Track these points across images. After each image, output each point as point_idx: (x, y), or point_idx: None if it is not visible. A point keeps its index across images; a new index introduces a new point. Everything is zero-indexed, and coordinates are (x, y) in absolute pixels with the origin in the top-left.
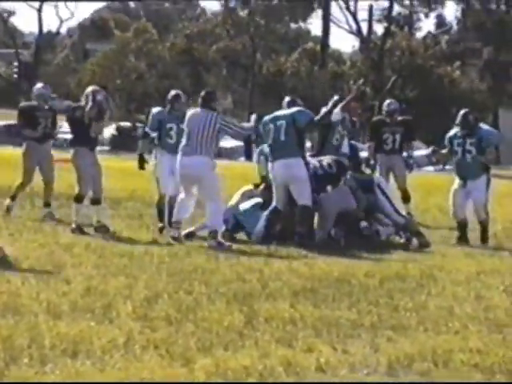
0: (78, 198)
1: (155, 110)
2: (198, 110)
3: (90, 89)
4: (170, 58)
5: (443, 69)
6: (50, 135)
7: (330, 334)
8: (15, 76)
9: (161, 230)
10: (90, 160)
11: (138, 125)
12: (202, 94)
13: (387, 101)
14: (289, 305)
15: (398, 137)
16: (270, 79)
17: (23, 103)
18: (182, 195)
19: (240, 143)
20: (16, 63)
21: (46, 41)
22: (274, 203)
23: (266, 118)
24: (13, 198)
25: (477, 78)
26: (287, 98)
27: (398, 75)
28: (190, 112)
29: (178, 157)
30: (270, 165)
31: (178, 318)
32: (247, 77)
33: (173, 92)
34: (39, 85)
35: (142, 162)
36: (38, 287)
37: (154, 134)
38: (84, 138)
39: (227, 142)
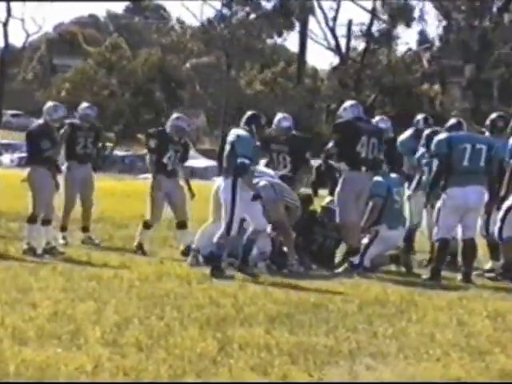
0: (32, 219)
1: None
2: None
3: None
4: (142, 74)
5: (424, 87)
6: (89, 156)
7: (307, 361)
8: None
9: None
10: (46, 179)
11: (108, 144)
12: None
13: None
14: (264, 331)
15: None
16: (244, 96)
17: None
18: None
19: (213, 162)
20: None
21: (12, 55)
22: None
23: None
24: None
25: (459, 96)
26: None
27: (378, 93)
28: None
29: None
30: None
31: (149, 345)
32: (221, 94)
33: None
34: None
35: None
36: (2, 311)
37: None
38: (40, 156)
39: (199, 162)
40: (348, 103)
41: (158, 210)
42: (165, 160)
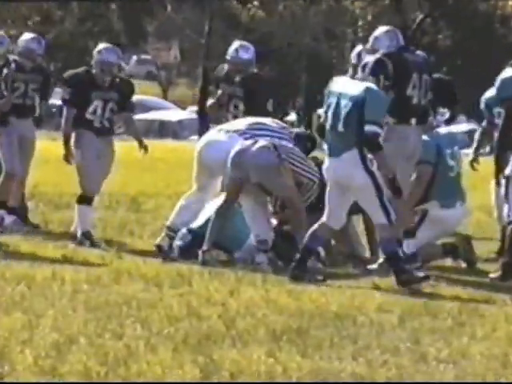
0: None
1: None
2: None
3: None
4: None
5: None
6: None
7: None
8: None
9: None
10: None
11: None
12: None
13: None
14: (265, 353)
15: None
16: (236, 20)
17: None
18: None
19: (190, 114)
20: None
21: None
22: None
23: None
24: None
25: None
26: None
27: (427, 14)
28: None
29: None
30: None
31: (102, 374)
32: (202, 16)
33: None
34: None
35: None
36: None
37: None
38: None
39: (171, 113)
40: (381, 30)
41: (92, 177)
42: (88, 115)
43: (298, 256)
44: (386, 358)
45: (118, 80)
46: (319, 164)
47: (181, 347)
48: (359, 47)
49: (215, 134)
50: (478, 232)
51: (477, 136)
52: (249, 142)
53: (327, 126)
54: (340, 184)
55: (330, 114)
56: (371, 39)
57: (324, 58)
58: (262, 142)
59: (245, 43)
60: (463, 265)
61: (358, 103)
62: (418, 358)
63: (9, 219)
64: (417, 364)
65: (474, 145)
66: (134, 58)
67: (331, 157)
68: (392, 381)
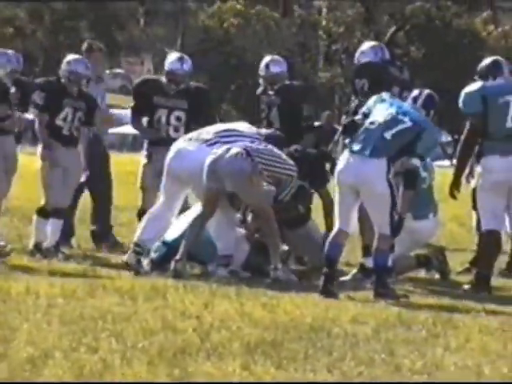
0: None
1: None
2: None
3: None
4: (63, 6)
5: (465, 20)
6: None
7: None
8: None
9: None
10: None
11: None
12: None
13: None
14: (240, 365)
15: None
16: (209, 34)
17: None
18: None
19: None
20: None
21: None
22: None
23: None
24: None
25: None
26: None
27: (400, 26)
28: None
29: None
30: None
31: None
32: (175, 33)
33: None
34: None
35: None
36: None
37: None
38: None
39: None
40: (368, 45)
41: (56, 190)
42: (58, 121)
43: (324, 270)
44: (361, 370)
45: (84, 91)
46: (299, 155)
47: (156, 360)
48: None
49: (183, 143)
50: (451, 243)
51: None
52: (222, 149)
53: (369, 126)
54: (355, 187)
55: (381, 117)
56: (357, 54)
57: (297, 71)
58: (235, 149)
59: (276, 57)
60: (437, 276)
61: (416, 130)
62: (393, 370)
63: None
64: (391, 375)
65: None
66: (107, 72)
67: (358, 154)
68: None
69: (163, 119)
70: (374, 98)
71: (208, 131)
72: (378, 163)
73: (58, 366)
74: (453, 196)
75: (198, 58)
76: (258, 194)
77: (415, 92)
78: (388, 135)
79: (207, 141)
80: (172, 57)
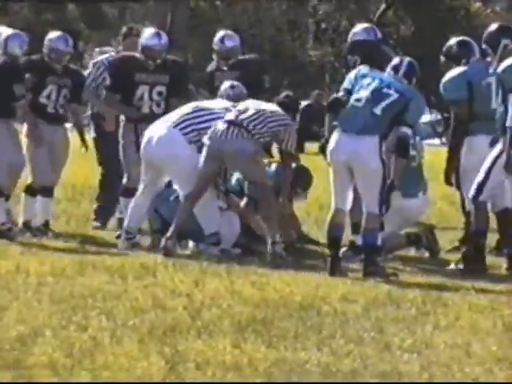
0: None
1: None
2: None
3: None
4: None
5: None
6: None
7: None
8: None
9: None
10: None
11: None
12: None
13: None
14: (231, 344)
15: None
16: (200, 11)
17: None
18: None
19: None
20: None
21: None
22: None
23: None
24: None
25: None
26: None
27: (389, 3)
28: None
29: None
30: None
31: (68, 366)
32: (164, 7)
33: None
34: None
35: None
36: None
37: None
38: None
39: None
40: (360, 26)
41: (42, 168)
42: (42, 99)
43: (329, 252)
44: (351, 348)
45: (70, 68)
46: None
47: (146, 338)
48: None
49: (155, 128)
50: (441, 222)
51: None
52: (222, 128)
53: (356, 103)
54: (348, 165)
55: (366, 93)
56: (350, 35)
57: (287, 49)
58: (236, 129)
59: (229, 32)
60: (426, 254)
61: (403, 101)
62: (383, 348)
63: None
64: (381, 353)
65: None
66: (97, 49)
67: (349, 132)
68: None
69: (146, 96)
70: (354, 73)
71: (176, 113)
72: (370, 140)
73: (48, 344)
74: (449, 183)
75: (185, 36)
76: (259, 171)
77: (395, 60)
78: (378, 110)
79: (176, 123)
80: (148, 32)
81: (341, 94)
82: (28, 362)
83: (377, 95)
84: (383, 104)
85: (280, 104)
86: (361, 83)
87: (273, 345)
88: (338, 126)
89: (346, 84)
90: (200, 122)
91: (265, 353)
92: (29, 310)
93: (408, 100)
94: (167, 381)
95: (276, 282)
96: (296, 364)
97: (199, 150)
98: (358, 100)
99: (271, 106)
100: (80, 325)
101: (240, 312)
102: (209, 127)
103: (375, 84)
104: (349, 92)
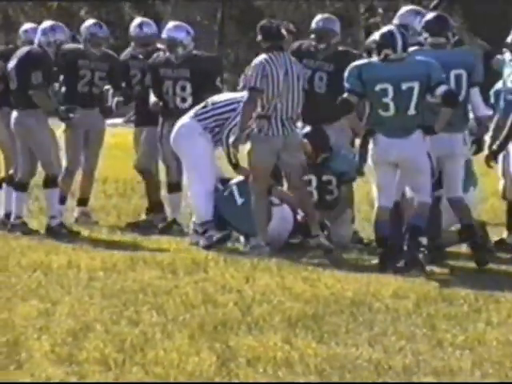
0: None
1: None
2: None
3: None
4: None
5: None
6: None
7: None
8: None
9: None
10: None
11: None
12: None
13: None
14: (282, 339)
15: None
16: (251, 7)
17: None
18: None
19: None
20: None
21: None
22: None
23: None
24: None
25: None
26: None
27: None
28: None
29: None
30: None
31: (119, 361)
32: (216, 5)
33: None
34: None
35: None
36: None
37: None
38: None
39: None
40: (404, 9)
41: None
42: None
43: (378, 250)
44: (402, 345)
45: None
46: None
47: (197, 334)
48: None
49: (181, 123)
50: (493, 218)
51: (491, 132)
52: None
53: (384, 113)
54: (394, 163)
55: (390, 101)
56: (395, 18)
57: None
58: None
59: (145, 19)
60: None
61: (424, 80)
62: (435, 344)
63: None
64: (433, 350)
65: (488, 141)
66: None
67: (394, 138)
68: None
69: (170, 91)
70: (361, 76)
71: (198, 107)
72: (416, 137)
73: (99, 338)
74: (489, 165)
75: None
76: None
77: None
78: (412, 111)
79: (193, 112)
80: (170, 24)
81: (352, 96)
82: (80, 357)
83: (400, 98)
84: (413, 103)
85: None
86: (377, 91)
87: (324, 341)
88: (378, 132)
89: (354, 86)
90: (218, 107)
91: (316, 349)
92: (80, 304)
93: (428, 73)
94: (216, 380)
95: (327, 278)
96: (347, 360)
97: (214, 138)
98: (385, 110)
99: None
100: (131, 320)
101: (291, 308)
102: (226, 112)
103: (389, 88)
104: (358, 95)
